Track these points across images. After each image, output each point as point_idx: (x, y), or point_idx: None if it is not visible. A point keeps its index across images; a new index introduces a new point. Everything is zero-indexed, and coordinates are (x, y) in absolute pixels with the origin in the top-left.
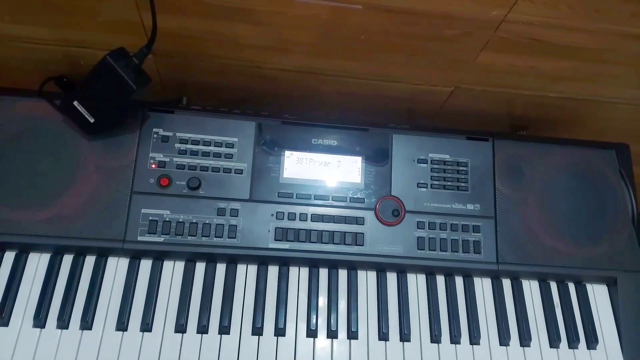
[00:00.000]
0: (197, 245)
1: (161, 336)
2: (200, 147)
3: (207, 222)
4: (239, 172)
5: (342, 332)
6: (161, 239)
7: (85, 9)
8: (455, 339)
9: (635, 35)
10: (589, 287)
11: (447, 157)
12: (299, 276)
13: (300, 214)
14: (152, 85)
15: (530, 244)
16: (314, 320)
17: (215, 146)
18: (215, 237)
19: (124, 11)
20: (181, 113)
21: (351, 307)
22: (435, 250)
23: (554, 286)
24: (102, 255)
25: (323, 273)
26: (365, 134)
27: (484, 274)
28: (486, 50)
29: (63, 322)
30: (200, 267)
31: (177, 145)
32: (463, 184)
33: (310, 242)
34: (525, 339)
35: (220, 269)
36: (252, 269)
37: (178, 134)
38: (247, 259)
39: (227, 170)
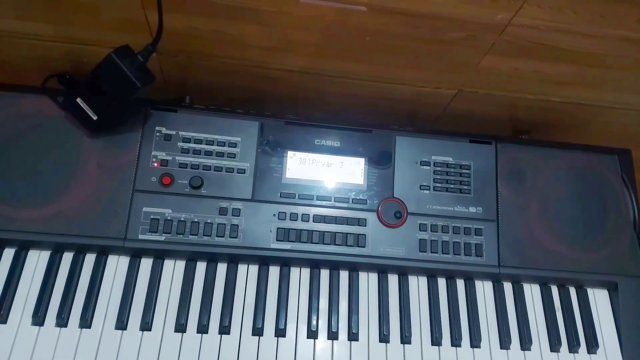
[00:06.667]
0: (198, 244)
1: (161, 335)
2: (203, 146)
3: (208, 221)
4: (242, 171)
5: (343, 334)
6: (162, 238)
7: (90, 6)
8: (456, 342)
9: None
10: (589, 291)
11: (449, 159)
12: (300, 277)
13: (302, 214)
14: (155, 83)
15: (531, 247)
16: (315, 322)
17: (218, 145)
18: (217, 236)
19: (129, 9)
20: (184, 112)
21: (352, 309)
22: (437, 252)
23: (555, 290)
24: (103, 254)
25: (324, 274)
26: (368, 136)
27: (486, 277)
28: (490, 53)
29: (62, 320)
30: (201, 267)
31: (180, 144)
32: (465, 187)
33: (312, 242)
34: (526, 343)
35: (221, 268)
36: (253, 269)
37: (181, 133)
38: (249, 259)
39: (230, 170)
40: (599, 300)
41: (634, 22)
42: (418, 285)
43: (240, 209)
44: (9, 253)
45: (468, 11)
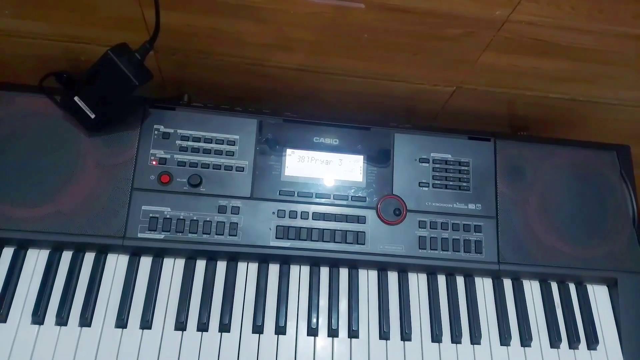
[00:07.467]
0: (197, 242)
1: (161, 334)
2: (202, 144)
3: (207, 219)
4: (240, 169)
5: (343, 331)
6: (161, 236)
7: (86, 4)
8: (456, 339)
9: (638, 37)
10: (589, 287)
11: (448, 156)
12: (299, 274)
13: (301, 212)
14: (153, 81)
15: (531, 244)
16: (315, 319)
17: (216, 143)
18: (216, 234)
19: (126, 7)
20: (182, 110)
21: (352, 306)
22: (436, 249)
23: (554, 286)
24: (102, 252)
25: (324, 272)
26: (367, 133)
27: (485, 274)
28: (489, 50)
29: (62, 319)
30: (200, 265)
31: (178, 142)
32: (465, 184)
33: (312, 240)
34: (526, 339)
35: (221, 266)
36: (253, 267)
37: (179, 131)
38: (248, 257)
39: (229, 168)
40: (599, 296)
41: (631, 17)
42: (418, 283)
43: (239, 207)
44: (8, 252)
45: (466, 7)
